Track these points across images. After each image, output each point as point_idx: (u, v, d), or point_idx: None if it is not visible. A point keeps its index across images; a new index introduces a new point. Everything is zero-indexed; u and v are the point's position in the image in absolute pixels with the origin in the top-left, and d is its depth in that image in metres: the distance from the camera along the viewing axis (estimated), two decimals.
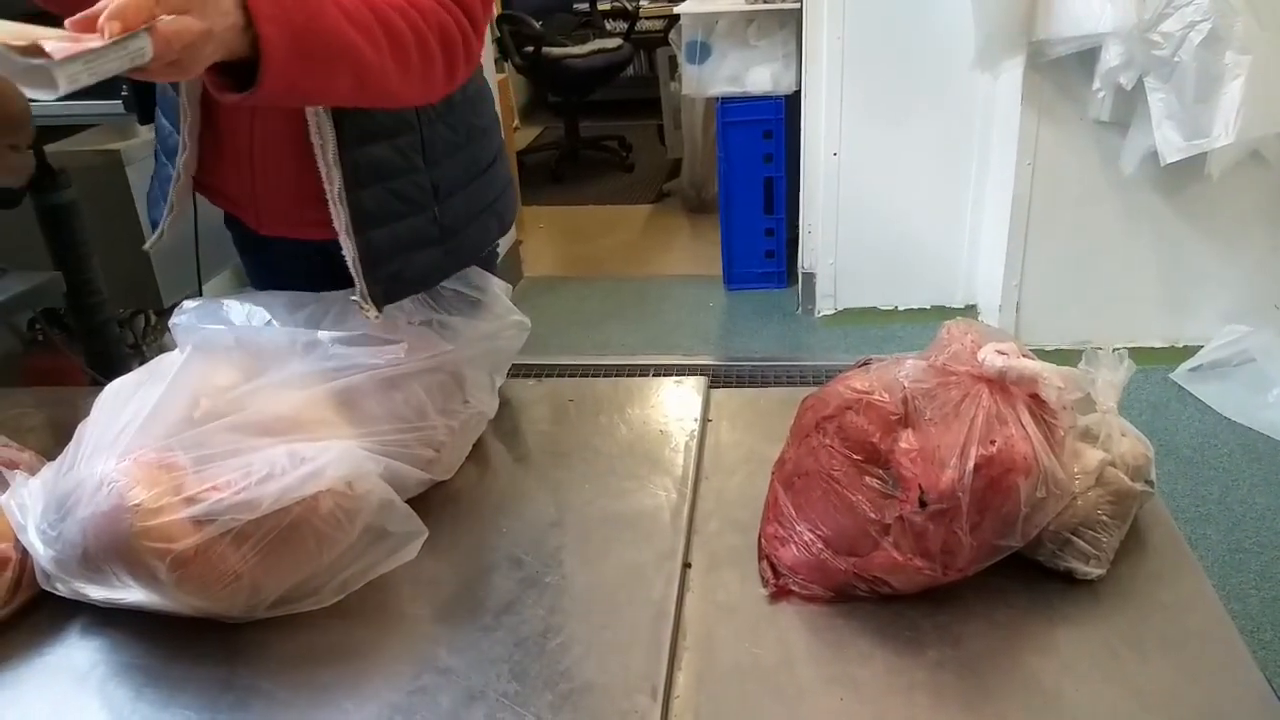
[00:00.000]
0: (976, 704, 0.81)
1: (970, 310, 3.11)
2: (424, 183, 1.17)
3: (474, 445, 1.17)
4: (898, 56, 2.85)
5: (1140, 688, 0.81)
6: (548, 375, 1.61)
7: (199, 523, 0.84)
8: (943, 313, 3.11)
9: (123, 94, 1.25)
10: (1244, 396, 2.57)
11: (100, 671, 0.88)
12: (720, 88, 3.36)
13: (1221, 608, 0.90)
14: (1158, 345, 2.82)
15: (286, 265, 1.31)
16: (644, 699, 0.81)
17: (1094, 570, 0.91)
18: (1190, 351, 2.74)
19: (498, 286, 1.24)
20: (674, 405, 1.28)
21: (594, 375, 3.02)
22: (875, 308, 3.22)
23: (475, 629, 0.89)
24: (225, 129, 1.18)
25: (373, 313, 1.14)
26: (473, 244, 1.27)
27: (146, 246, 1.29)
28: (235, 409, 0.92)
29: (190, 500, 0.84)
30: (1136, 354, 3.02)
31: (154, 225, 1.28)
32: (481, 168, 1.28)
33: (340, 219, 1.11)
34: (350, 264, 1.13)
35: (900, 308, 3.19)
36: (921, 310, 3.16)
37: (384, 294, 1.15)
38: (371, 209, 1.13)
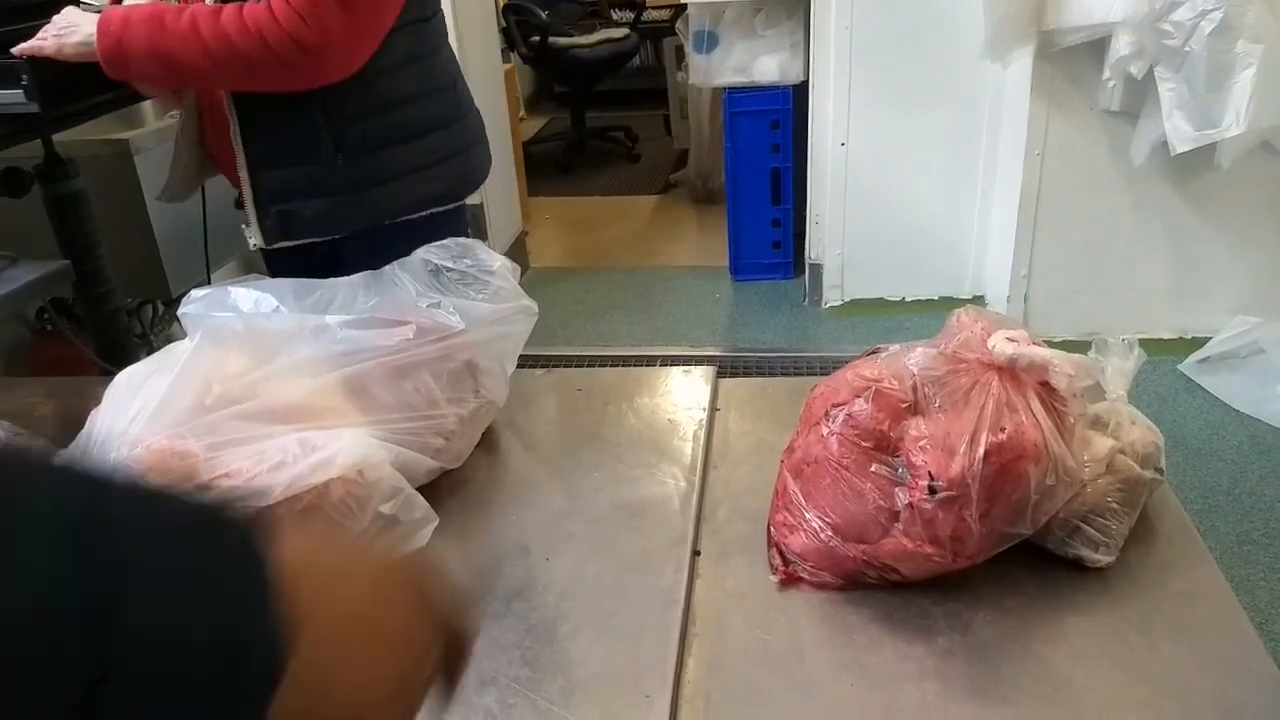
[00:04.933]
0: (986, 691, 0.81)
1: (978, 301, 3.10)
2: (324, 138, 1.36)
3: (483, 434, 1.17)
4: (906, 46, 2.84)
5: (1150, 675, 0.81)
6: (555, 366, 1.61)
7: None
8: (950, 303, 3.10)
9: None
10: (1253, 388, 2.56)
11: None
12: (727, 77, 3.35)
13: (1232, 596, 0.90)
14: (1166, 336, 2.81)
15: None
16: (654, 684, 0.81)
17: (1104, 558, 0.91)
18: (1199, 343, 2.73)
19: (505, 266, 1.24)
20: (682, 394, 1.28)
21: (601, 366, 3.02)
22: (883, 299, 3.21)
23: (487, 615, 0.89)
24: (206, 102, 1.44)
25: (255, 240, 1.41)
26: (393, 202, 1.45)
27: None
28: (247, 396, 0.93)
29: (203, 487, 0.84)
30: (1145, 345, 2.99)
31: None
32: (405, 134, 1.44)
33: (239, 158, 1.36)
34: (247, 200, 1.39)
35: (908, 299, 3.18)
36: (929, 301, 3.16)
37: (279, 229, 1.40)
38: (263, 152, 1.36)
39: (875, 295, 3.22)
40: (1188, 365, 2.68)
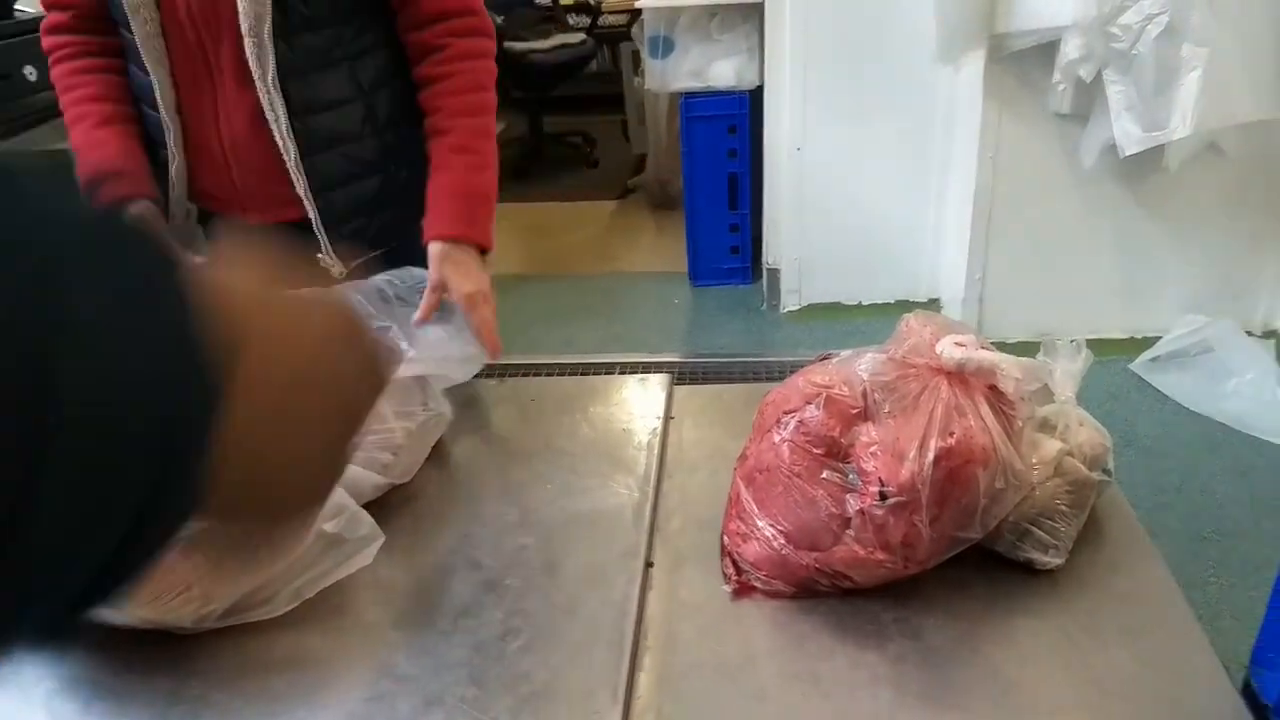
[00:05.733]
0: (937, 696, 0.81)
1: (934, 304, 3.13)
2: (372, 145, 1.32)
3: (433, 447, 1.15)
4: (860, 50, 2.86)
5: (1099, 676, 0.81)
6: (511, 374, 1.60)
7: None
8: (906, 307, 3.13)
9: None
10: (1203, 386, 2.60)
11: (46, 686, 0.85)
12: (683, 82, 3.35)
13: (1180, 595, 0.91)
14: (1118, 336, 2.85)
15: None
16: (604, 700, 0.80)
17: (1053, 560, 0.91)
18: (1150, 342, 2.77)
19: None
20: (637, 403, 1.27)
21: (558, 374, 3.00)
22: (840, 303, 3.23)
23: (434, 634, 0.88)
24: (200, 135, 1.30)
25: (337, 269, 1.31)
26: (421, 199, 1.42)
27: None
28: None
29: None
30: (1097, 345, 3.05)
31: None
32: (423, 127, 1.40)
33: (300, 184, 1.26)
34: (314, 226, 1.30)
35: (864, 302, 3.20)
36: (886, 305, 3.18)
37: (350, 252, 1.32)
38: (324, 173, 1.28)
39: (832, 299, 3.23)
40: (1139, 364, 2.72)
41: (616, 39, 5.19)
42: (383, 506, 1.04)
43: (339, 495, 0.91)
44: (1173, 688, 0.81)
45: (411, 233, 1.43)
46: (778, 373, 1.39)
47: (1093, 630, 0.86)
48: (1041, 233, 2.78)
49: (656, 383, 1.32)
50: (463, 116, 1.28)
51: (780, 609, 0.92)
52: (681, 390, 1.34)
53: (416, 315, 1.17)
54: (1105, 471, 0.96)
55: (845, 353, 0.99)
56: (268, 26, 1.18)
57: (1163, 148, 2.40)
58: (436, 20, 1.27)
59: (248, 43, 1.18)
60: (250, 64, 1.19)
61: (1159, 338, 2.76)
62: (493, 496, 1.08)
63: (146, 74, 1.24)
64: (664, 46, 3.38)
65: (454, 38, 1.27)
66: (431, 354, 1.12)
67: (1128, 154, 2.42)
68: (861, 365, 0.92)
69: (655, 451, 1.16)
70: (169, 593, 0.83)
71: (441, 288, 1.21)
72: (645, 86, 3.67)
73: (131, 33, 1.21)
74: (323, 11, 1.23)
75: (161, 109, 1.26)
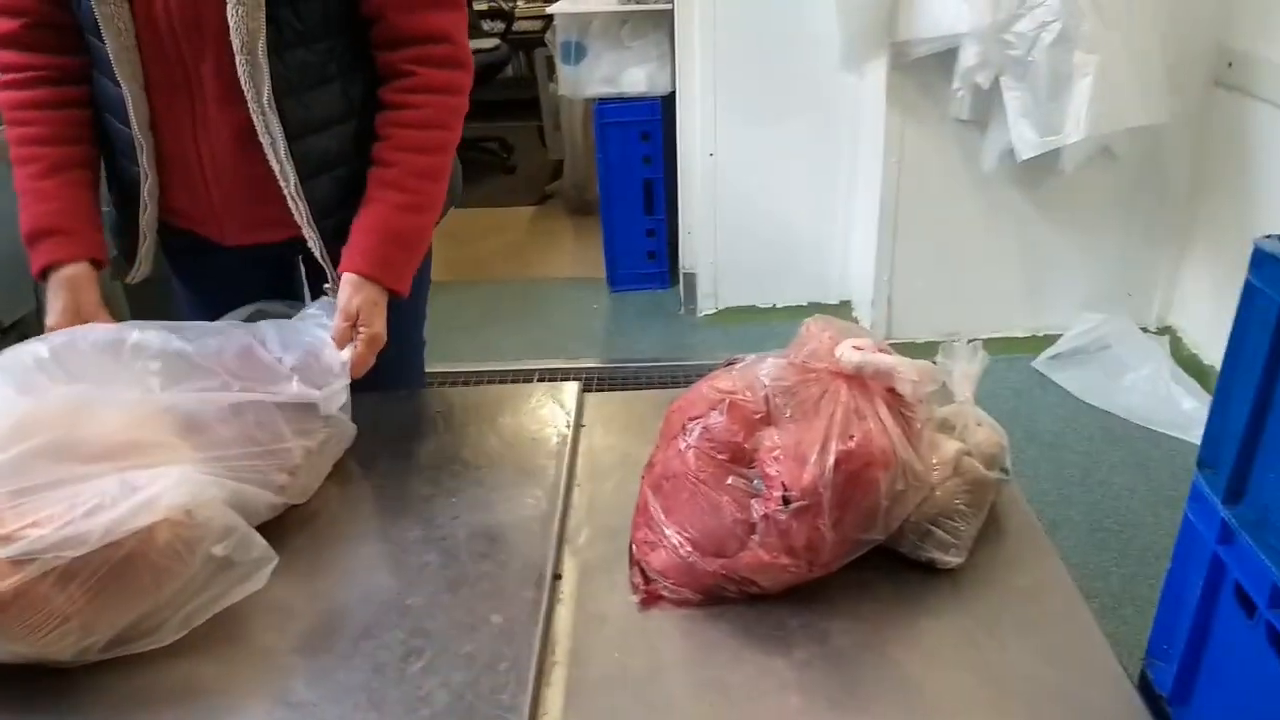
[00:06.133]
0: (842, 700, 0.81)
1: (845, 306, 3.18)
2: (365, 168, 1.23)
3: (336, 464, 1.12)
4: (769, 57, 2.89)
5: (998, 674, 0.83)
6: (430, 384, 1.57)
7: (17, 563, 0.77)
8: (820, 309, 3.17)
9: None
10: (1101, 381, 2.69)
11: None
12: (596, 88, 3.35)
13: (1075, 589, 0.93)
14: (1021, 335, 2.93)
15: (240, 274, 1.34)
16: (509, 718, 0.78)
17: (954, 559, 0.92)
18: (1051, 340, 2.85)
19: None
20: (546, 412, 1.26)
21: (476, 383, 2.97)
22: (755, 306, 3.25)
23: (332, 657, 0.85)
24: (175, 153, 1.21)
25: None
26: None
27: (128, 279, 1.31)
28: (57, 431, 0.85)
29: (5, 539, 0.77)
30: (1001, 343, 3.11)
31: (125, 257, 1.30)
32: None
33: (302, 213, 1.20)
34: (317, 254, 1.24)
35: (779, 305, 3.23)
36: (800, 307, 3.21)
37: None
38: (325, 197, 1.22)
39: (748, 303, 3.26)
40: (1040, 362, 2.80)
41: (531, 45, 5.15)
42: (280, 527, 1.01)
43: (229, 517, 0.87)
44: (1070, 683, 0.83)
45: None
46: (697, 377, 1.39)
47: (993, 628, 0.88)
48: (946, 235, 2.84)
49: (566, 391, 1.30)
50: (409, 153, 1.20)
51: (688, 617, 0.91)
52: (592, 398, 1.33)
53: (333, 342, 1.12)
54: (1003, 470, 0.98)
55: (750, 358, 1.00)
56: (262, 43, 1.09)
57: (1058, 152, 2.47)
58: (409, 44, 1.19)
59: (240, 60, 1.09)
60: (242, 82, 1.11)
61: (1060, 335, 2.85)
62: (396, 513, 1.06)
63: (118, 86, 1.14)
64: (576, 53, 3.37)
65: (424, 67, 1.19)
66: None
67: (1024, 158, 2.49)
68: (763, 370, 0.92)
69: (564, 461, 1.14)
70: (45, 625, 0.79)
71: (354, 320, 1.15)
72: (559, 93, 3.65)
73: (102, 42, 1.12)
74: (316, 25, 1.15)
75: (134, 125, 1.16)
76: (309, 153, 1.18)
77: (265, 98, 1.12)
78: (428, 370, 1.62)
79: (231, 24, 1.08)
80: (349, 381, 1.10)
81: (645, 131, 3.33)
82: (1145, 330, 2.90)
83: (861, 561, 0.90)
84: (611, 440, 1.23)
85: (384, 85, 1.22)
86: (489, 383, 2.63)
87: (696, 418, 0.94)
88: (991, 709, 0.80)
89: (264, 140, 1.15)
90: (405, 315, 1.43)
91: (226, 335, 1.08)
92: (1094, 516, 2.21)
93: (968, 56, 2.43)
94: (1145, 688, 0.90)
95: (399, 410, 1.28)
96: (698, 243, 3.19)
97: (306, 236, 1.22)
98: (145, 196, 1.22)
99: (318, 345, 1.12)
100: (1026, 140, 2.43)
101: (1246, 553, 0.75)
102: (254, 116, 1.13)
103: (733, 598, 0.92)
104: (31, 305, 1.81)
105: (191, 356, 1.02)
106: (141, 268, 1.28)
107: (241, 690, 0.83)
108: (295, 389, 1.04)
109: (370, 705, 0.80)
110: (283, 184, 1.18)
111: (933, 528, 0.92)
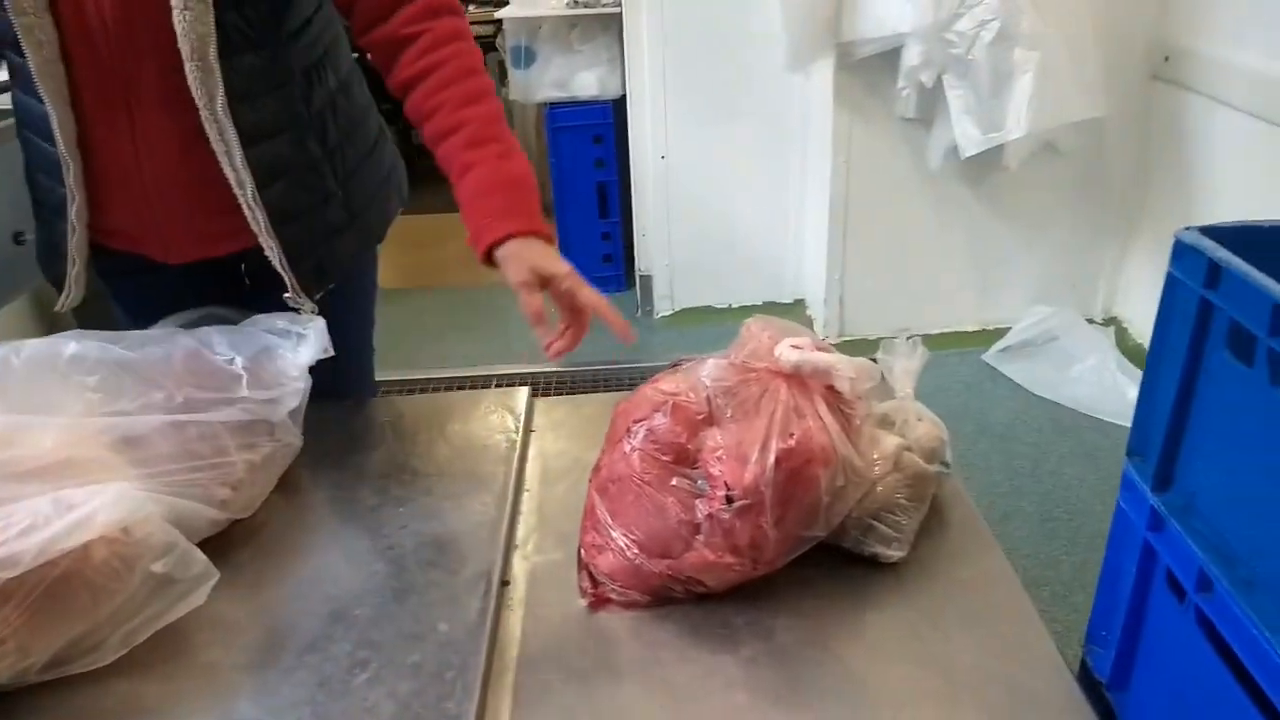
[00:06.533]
0: (787, 697, 0.82)
1: (799, 305, 3.20)
2: (324, 170, 1.20)
3: (282, 476, 1.11)
4: (718, 59, 2.90)
5: (943, 666, 0.84)
6: (385, 392, 1.55)
7: None
8: (774, 308, 3.19)
9: None
10: (1050, 373, 2.74)
11: None
12: (547, 93, 3.34)
13: (1016, 580, 0.94)
14: (971, 329, 2.97)
15: (184, 292, 1.26)
16: None
17: (896, 553, 0.94)
18: (1001, 333, 2.90)
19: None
20: (496, 418, 1.25)
21: (431, 390, 2.95)
22: (711, 306, 3.27)
23: (276, 672, 0.84)
24: (111, 170, 1.15)
25: (308, 307, 1.21)
26: (379, 222, 1.33)
27: (59, 307, 1.24)
28: None
29: None
30: (952, 338, 3.14)
31: (55, 284, 1.24)
32: (370, 144, 1.31)
33: (259, 221, 1.15)
34: (276, 263, 1.18)
35: (735, 305, 3.25)
36: (754, 307, 3.23)
37: (315, 282, 1.22)
38: (282, 204, 1.16)
39: (704, 304, 3.27)
40: (991, 355, 2.84)
41: (483, 49, 5.13)
42: (224, 541, 1.00)
43: (168, 533, 0.86)
44: (1011, 671, 0.84)
45: (366, 261, 1.37)
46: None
47: (936, 620, 0.89)
48: (895, 233, 2.88)
49: (516, 396, 1.30)
50: (469, 106, 1.13)
51: (636, 619, 0.92)
52: (543, 402, 1.33)
53: (532, 323, 1.06)
54: (943, 464, 1.00)
55: (694, 359, 1.00)
56: (213, 49, 1.05)
57: (1002, 148, 2.51)
58: (398, 5, 1.13)
59: (190, 67, 1.04)
60: (193, 89, 1.06)
61: (1009, 329, 2.89)
62: (342, 524, 1.05)
63: (41, 103, 1.08)
64: (526, 57, 3.36)
65: (424, 23, 1.13)
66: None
67: (968, 155, 2.52)
68: (705, 372, 0.93)
69: (513, 467, 1.14)
70: None
71: (536, 283, 1.07)
72: (510, 98, 3.64)
73: (21, 56, 1.05)
74: (263, 29, 1.11)
75: (60, 143, 1.10)
76: (263, 158, 1.14)
77: (219, 104, 1.08)
78: (381, 379, 1.59)
79: (179, 30, 1.03)
80: (306, 385, 1.08)
81: (597, 135, 3.33)
82: (1091, 322, 2.96)
83: (806, 558, 0.91)
84: (562, 444, 1.23)
85: (393, 63, 1.15)
86: (444, 389, 2.61)
87: (640, 420, 0.95)
88: (935, 700, 0.81)
89: (217, 148, 1.10)
90: (356, 319, 1.42)
91: (171, 341, 1.06)
92: (1044, 506, 2.25)
93: (911, 56, 2.46)
94: (1085, 674, 0.92)
95: (347, 420, 1.27)
96: (652, 245, 3.20)
97: (264, 245, 1.18)
98: (73, 219, 1.16)
99: (272, 347, 1.09)
100: (970, 137, 2.47)
101: (1175, 539, 0.76)
102: (206, 124, 1.09)
103: (680, 598, 0.92)
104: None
105: (134, 366, 1.00)
106: (71, 294, 1.21)
107: (184, 708, 0.82)
108: (246, 391, 1.03)
109: (315, 718, 0.79)
110: (238, 191, 1.13)
111: (875, 523, 0.93)
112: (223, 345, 1.06)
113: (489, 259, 1.10)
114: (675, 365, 1.02)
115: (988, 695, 0.82)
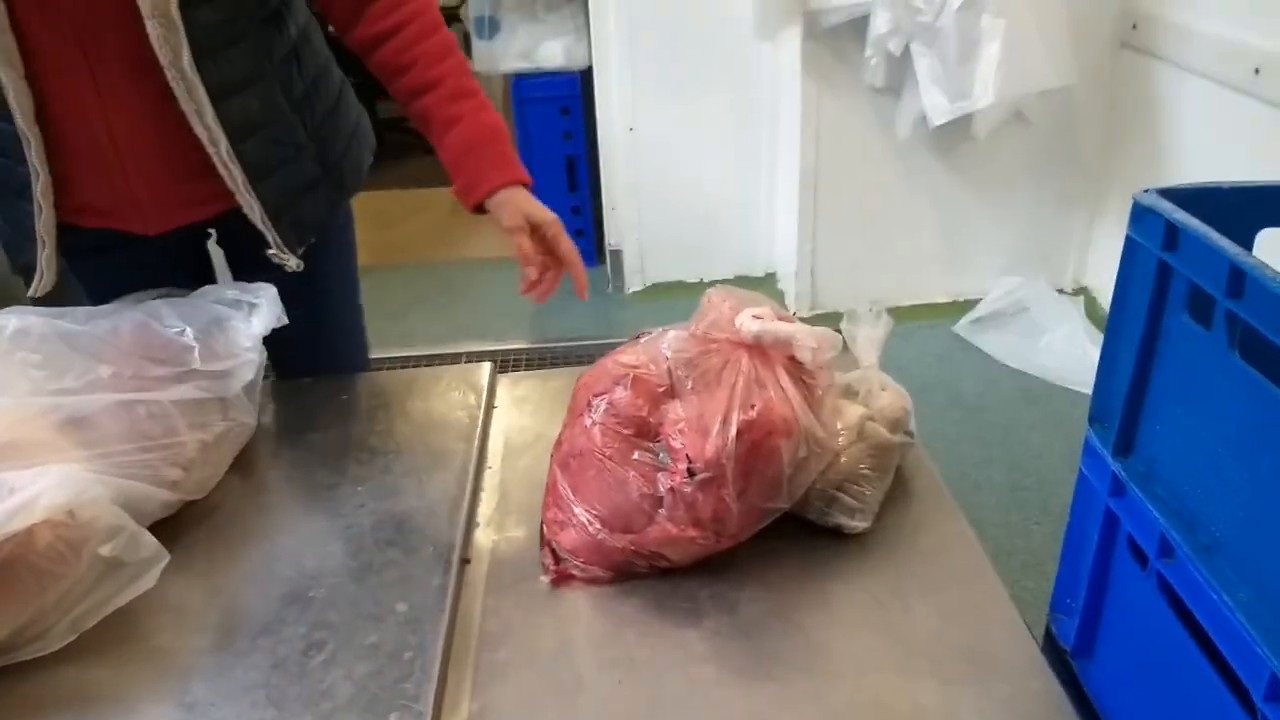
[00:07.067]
0: (750, 669, 0.81)
1: (771, 278, 3.19)
2: (294, 122, 1.18)
3: (237, 456, 1.08)
4: (685, 28, 2.87)
5: (904, 635, 0.84)
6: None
7: None
8: (746, 282, 3.17)
9: None
10: (1019, 344, 2.74)
11: None
12: (512, 64, 3.29)
13: (980, 549, 0.94)
14: (942, 300, 2.97)
15: (155, 266, 1.23)
16: (414, 711, 0.76)
17: (860, 524, 0.93)
18: (971, 304, 2.90)
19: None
20: (457, 395, 1.24)
21: (399, 368, 2.92)
22: (683, 281, 3.25)
23: (229, 655, 0.82)
24: (77, 141, 1.10)
25: (293, 262, 1.20)
26: (352, 173, 1.31)
27: (31, 293, 1.19)
28: None
29: None
30: (923, 310, 3.13)
31: (27, 269, 1.19)
32: (335, 94, 1.29)
33: (236, 177, 1.13)
34: (258, 220, 1.16)
35: (706, 279, 3.23)
36: (726, 281, 3.21)
37: (296, 240, 1.21)
38: (258, 160, 1.14)
39: (675, 278, 3.25)
40: (961, 326, 2.84)
41: (447, 20, 5.05)
42: (176, 523, 0.98)
43: (115, 515, 0.84)
44: (976, 640, 0.84)
45: (343, 215, 1.35)
46: None
47: (899, 590, 0.89)
48: (865, 204, 2.87)
49: (478, 372, 1.28)
50: (444, 60, 1.17)
51: (599, 595, 0.91)
52: (506, 378, 1.31)
53: (528, 279, 1.14)
54: (907, 434, 0.99)
55: (655, 331, 0.99)
56: (174, 4, 1.01)
57: (970, 117, 2.50)
58: None
59: (151, 25, 1.01)
60: (156, 48, 1.02)
61: (979, 300, 2.89)
62: (298, 504, 1.03)
63: None
64: (490, 27, 3.31)
65: None
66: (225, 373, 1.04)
67: (937, 124, 2.51)
68: (665, 343, 0.92)
69: (474, 443, 1.12)
70: None
71: (527, 228, 1.14)
72: (475, 69, 3.58)
73: None
74: None
75: (18, 119, 1.05)
76: (233, 114, 1.11)
77: (185, 60, 1.04)
78: None
79: None
80: (261, 358, 1.06)
81: (565, 107, 3.28)
82: (1061, 292, 2.96)
83: (770, 530, 0.91)
84: (525, 420, 1.21)
85: (360, 19, 1.17)
86: (410, 368, 2.58)
87: (601, 393, 0.93)
88: (897, 670, 0.80)
89: (186, 107, 1.07)
90: (340, 274, 1.40)
91: (119, 315, 1.03)
92: (1015, 476, 2.26)
93: (879, 23, 2.44)
94: (1050, 642, 0.92)
95: (304, 398, 1.24)
96: (622, 219, 3.17)
97: (243, 203, 1.15)
98: (39, 198, 1.11)
99: (223, 318, 1.07)
100: (938, 107, 2.46)
101: (1136, 505, 0.76)
102: (173, 83, 1.05)
103: (643, 573, 0.91)
104: None
105: (80, 341, 0.98)
106: (44, 278, 1.17)
107: (136, 693, 0.80)
108: (198, 363, 1.00)
109: (269, 702, 0.77)
110: (211, 150, 1.10)
111: (838, 493, 0.93)
112: (172, 317, 1.04)
113: (479, 208, 1.17)
114: (637, 338, 1.00)
115: (950, 664, 0.81)
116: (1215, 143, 2.33)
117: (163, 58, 1.04)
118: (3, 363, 0.94)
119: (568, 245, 1.17)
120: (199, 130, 1.09)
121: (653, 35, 2.88)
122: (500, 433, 1.18)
